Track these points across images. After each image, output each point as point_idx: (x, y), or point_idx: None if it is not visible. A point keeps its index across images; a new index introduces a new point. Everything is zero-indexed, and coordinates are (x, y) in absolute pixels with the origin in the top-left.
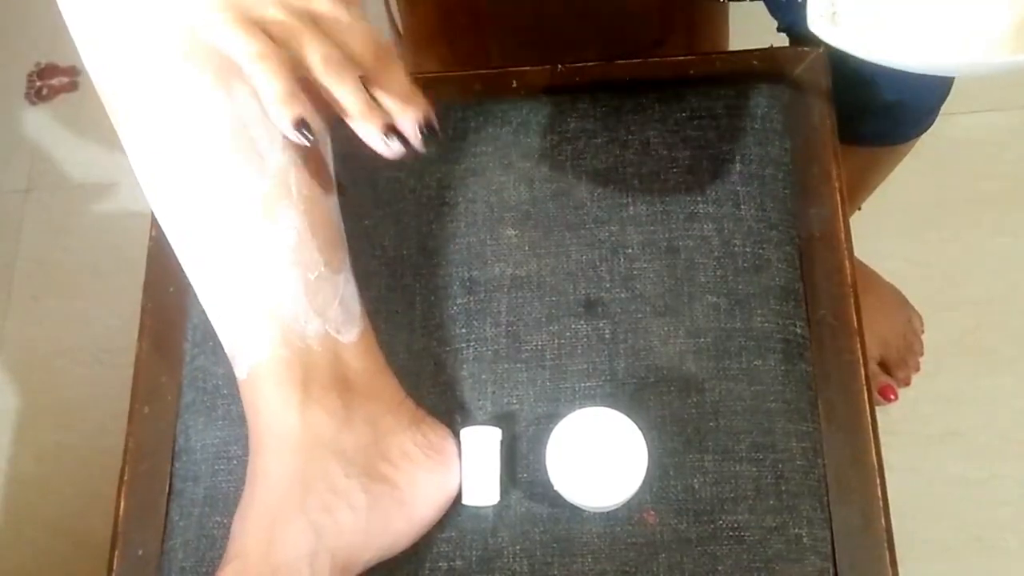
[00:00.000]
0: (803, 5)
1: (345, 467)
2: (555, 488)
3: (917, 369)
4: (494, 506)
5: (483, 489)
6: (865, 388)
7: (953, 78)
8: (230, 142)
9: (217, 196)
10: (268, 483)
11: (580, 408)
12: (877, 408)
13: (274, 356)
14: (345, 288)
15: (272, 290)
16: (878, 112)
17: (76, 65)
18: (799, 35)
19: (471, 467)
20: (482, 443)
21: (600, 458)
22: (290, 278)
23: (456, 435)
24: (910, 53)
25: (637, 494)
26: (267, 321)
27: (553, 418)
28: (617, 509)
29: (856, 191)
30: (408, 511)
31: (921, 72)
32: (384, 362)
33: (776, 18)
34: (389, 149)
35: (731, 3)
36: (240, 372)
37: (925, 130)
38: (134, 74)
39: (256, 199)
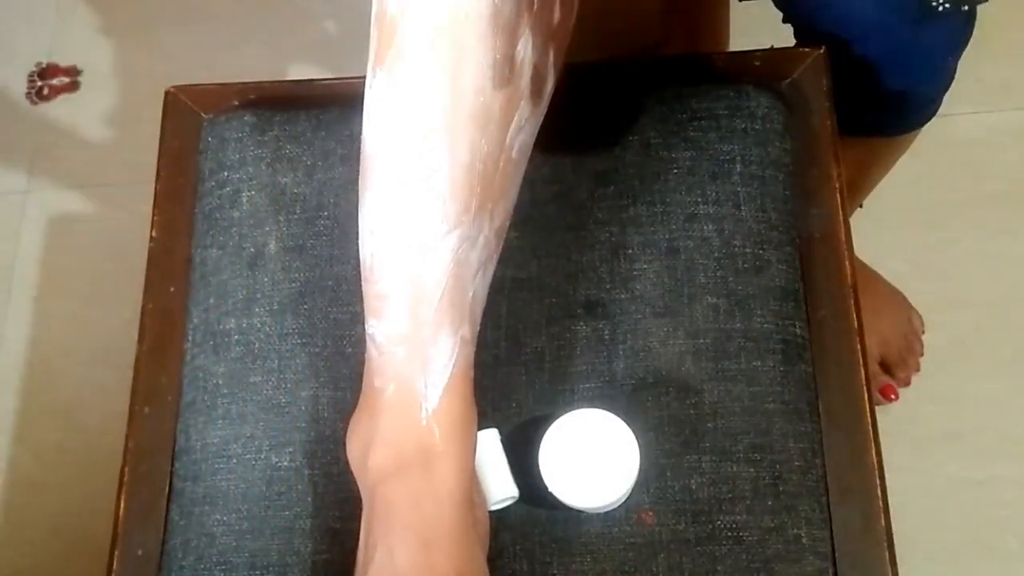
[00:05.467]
0: None
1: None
2: (549, 490)
3: (917, 369)
4: (495, 506)
5: (501, 489)
6: (865, 388)
7: (955, 66)
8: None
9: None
10: (452, 499)
11: (575, 409)
12: (877, 408)
13: (463, 372)
14: None
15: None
16: (880, 101)
17: (76, 65)
18: (804, 27)
19: (484, 472)
20: (486, 447)
21: (591, 459)
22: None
23: None
24: None
25: (634, 495)
26: (465, 346)
27: (552, 420)
28: (615, 509)
29: (858, 186)
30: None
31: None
32: None
33: (780, 8)
34: None
35: (731, 3)
36: (440, 379)
37: (927, 120)
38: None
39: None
